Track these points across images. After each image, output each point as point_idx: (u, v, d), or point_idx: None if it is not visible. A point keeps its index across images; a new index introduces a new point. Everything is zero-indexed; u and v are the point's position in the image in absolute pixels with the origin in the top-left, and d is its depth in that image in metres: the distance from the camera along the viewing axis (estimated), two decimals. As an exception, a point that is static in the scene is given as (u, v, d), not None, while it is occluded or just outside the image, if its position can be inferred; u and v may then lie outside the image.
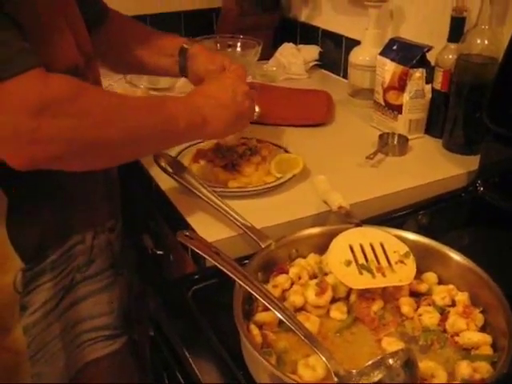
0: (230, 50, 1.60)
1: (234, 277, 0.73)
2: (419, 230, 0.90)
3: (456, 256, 0.81)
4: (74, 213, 0.97)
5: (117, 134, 0.80)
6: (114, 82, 1.52)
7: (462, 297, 0.77)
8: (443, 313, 0.76)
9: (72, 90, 0.75)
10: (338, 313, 0.77)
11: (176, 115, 0.89)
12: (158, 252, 1.22)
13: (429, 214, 1.06)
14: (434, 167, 1.18)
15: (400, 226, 0.94)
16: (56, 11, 0.85)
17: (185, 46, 1.13)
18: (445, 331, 0.74)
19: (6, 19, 0.72)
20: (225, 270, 0.74)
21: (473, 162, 1.16)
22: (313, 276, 0.82)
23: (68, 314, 1.00)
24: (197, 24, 1.92)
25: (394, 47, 1.30)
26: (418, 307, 0.78)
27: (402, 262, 0.79)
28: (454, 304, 0.77)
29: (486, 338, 0.71)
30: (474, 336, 0.71)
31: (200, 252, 0.78)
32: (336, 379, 0.64)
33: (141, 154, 0.99)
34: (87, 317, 1.04)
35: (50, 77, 0.73)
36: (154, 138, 0.88)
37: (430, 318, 0.75)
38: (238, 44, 1.61)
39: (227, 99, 0.97)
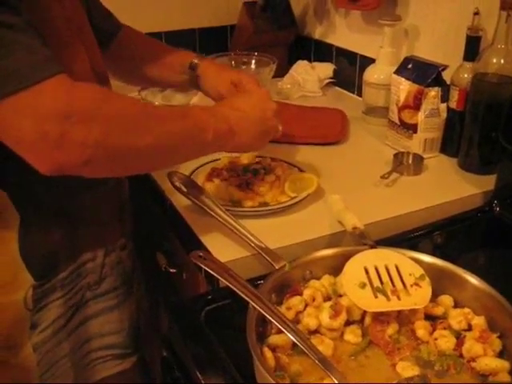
0: (244, 67, 1.60)
1: (247, 298, 0.72)
2: (434, 251, 0.89)
3: (472, 279, 0.80)
4: (84, 231, 0.97)
5: (144, 139, 0.79)
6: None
7: (479, 321, 0.76)
8: (459, 337, 0.75)
9: (98, 96, 0.75)
10: (353, 336, 0.76)
11: (203, 122, 0.88)
12: (171, 270, 1.22)
13: (444, 235, 1.05)
14: (449, 187, 1.17)
15: (415, 246, 0.93)
16: (72, 33, 0.86)
17: (194, 61, 1.14)
18: (461, 356, 0.72)
19: (32, 28, 0.72)
20: (238, 292, 0.73)
21: (489, 182, 1.15)
22: (327, 298, 0.81)
23: (78, 332, 1.00)
24: (212, 41, 1.94)
25: (409, 66, 1.30)
26: (434, 331, 0.76)
27: (417, 284, 0.78)
28: (470, 328, 0.76)
29: (504, 364, 0.70)
30: (491, 362, 0.70)
31: (213, 273, 0.77)
32: (350, 405, 0.63)
33: (168, 162, 0.95)
34: (97, 335, 1.03)
35: (76, 83, 0.73)
36: (181, 145, 0.87)
37: (445, 342, 0.74)
38: (253, 61, 1.62)
39: (255, 115, 0.97)
